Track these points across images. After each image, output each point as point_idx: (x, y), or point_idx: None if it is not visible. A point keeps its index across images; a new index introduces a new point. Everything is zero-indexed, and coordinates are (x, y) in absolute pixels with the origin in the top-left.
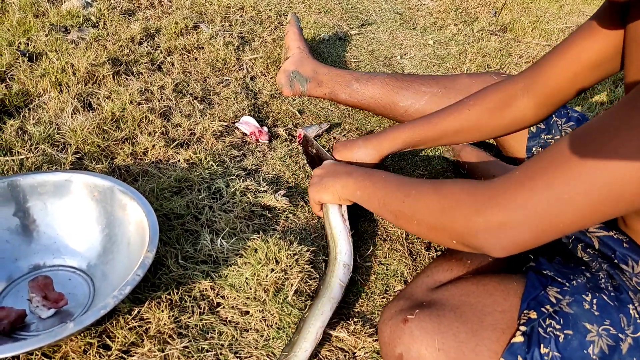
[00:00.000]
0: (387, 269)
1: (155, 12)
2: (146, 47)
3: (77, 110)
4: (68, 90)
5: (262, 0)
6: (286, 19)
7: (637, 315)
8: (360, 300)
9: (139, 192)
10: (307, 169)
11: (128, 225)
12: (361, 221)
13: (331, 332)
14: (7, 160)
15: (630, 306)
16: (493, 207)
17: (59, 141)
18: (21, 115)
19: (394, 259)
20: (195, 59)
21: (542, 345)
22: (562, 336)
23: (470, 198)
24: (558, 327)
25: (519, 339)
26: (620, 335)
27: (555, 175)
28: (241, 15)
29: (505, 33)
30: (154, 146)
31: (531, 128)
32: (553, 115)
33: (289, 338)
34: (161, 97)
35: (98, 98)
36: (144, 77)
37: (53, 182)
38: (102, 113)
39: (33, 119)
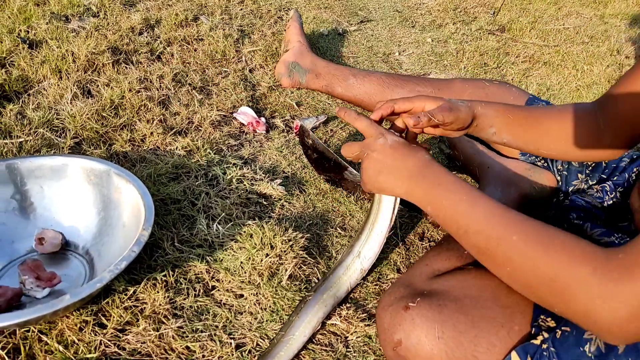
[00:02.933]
0: (381, 258)
1: (155, 4)
2: (146, 37)
3: (76, 97)
4: (68, 77)
5: None
6: (286, 13)
7: None
8: (353, 289)
9: (135, 176)
10: (304, 159)
11: (124, 208)
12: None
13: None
14: (7, 143)
15: None
16: (620, 294)
17: (58, 126)
18: (20, 101)
19: (389, 248)
20: (195, 50)
21: (542, 344)
22: (560, 332)
23: (586, 270)
24: (555, 324)
25: (536, 341)
26: None
27: None
28: (241, 9)
29: (503, 33)
30: (152, 133)
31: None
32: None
33: (282, 321)
34: (160, 86)
35: (97, 85)
36: (143, 67)
37: (50, 166)
38: (101, 100)
39: (32, 104)
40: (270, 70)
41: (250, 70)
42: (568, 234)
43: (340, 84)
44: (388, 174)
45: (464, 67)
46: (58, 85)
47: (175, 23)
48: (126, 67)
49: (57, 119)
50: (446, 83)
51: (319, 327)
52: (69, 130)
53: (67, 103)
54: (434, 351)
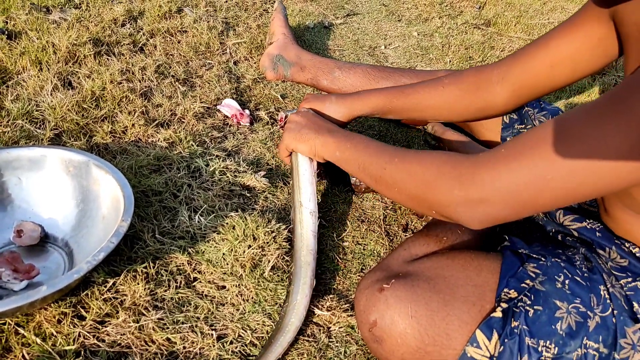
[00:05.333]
0: (364, 249)
1: None
2: (129, 29)
3: (56, 88)
4: (48, 69)
5: None
6: (271, 6)
7: (607, 296)
8: (337, 277)
9: (115, 167)
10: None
11: (103, 199)
12: (335, 199)
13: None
14: None
15: (602, 287)
16: (475, 183)
17: (38, 118)
18: None
19: (371, 240)
20: (179, 42)
21: (512, 319)
22: (532, 311)
23: (453, 171)
24: (529, 302)
25: (497, 314)
26: (589, 313)
27: (540, 156)
28: (226, 1)
29: (489, 27)
30: (133, 125)
31: (504, 118)
32: (525, 106)
33: (265, 312)
34: (142, 77)
35: (78, 77)
36: (126, 58)
37: (28, 157)
38: (82, 91)
39: (11, 96)
40: (255, 63)
41: (234, 63)
42: (442, 152)
43: (326, 76)
44: (310, 129)
45: (450, 61)
46: (38, 76)
47: (158, 15)
48: (108, 59)
49: (36, 110)
50: (431, 75)
51: (314, 283)
52: (49, 121)
53: (47, 94)
54: (407, 330)
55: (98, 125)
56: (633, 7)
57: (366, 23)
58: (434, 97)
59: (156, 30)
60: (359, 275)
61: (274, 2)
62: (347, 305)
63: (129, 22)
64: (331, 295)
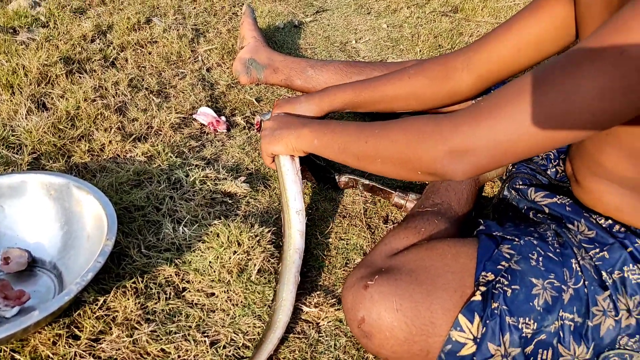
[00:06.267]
0: (347, 244)
1: (106, 9)
2: (98, 44)
3: (31, 111)
4: (20, 92)
5: None
6: (240, 9)
7: (578, 268)
8: (322, 274)
9: (95, 187)
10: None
11: (87, 220)
12: (317, 197)
13: (296, 304)
14: None
15: (573, 260)
16: (458, 135)
17: (14, 143)
18: None
19: (353, 234)
20: (150, 53)
21: (492, 301)
22: (510, 291)
23: (435, 128)
24: (506, 283)
25: (477, 297)
26: (562, 286)
27: (518, 106)
28: (194, 7)
29: (457, 13)
30: (110, 142)
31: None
32: (492, 89)
33: (254, 315)
34: (116, 93)
35: (52, 98)
36: (98, 74)
37: (8, 184)
38: (57, 112)
39: None
40: (227, 68)
41: (207, 70)
42: (422, 116)
43: (299, 76)
44: (282, 129)
45: (420, 51)
46: (11, 100)
47: (127, 27)
48: (80, 77)
49: (12, 135)
50: (401, 65)
51: (299, 280)
52: (26, 146)
53: (22, 118)
54: (394, 323)
55: (75, 145)
56: None
57: (336, 19)
58: (401, 87)
59: (126, 43)
60: (343, 270)
61: (242, 5)
62: (334, 300)
63: (98, 37)
64: (318, 292)
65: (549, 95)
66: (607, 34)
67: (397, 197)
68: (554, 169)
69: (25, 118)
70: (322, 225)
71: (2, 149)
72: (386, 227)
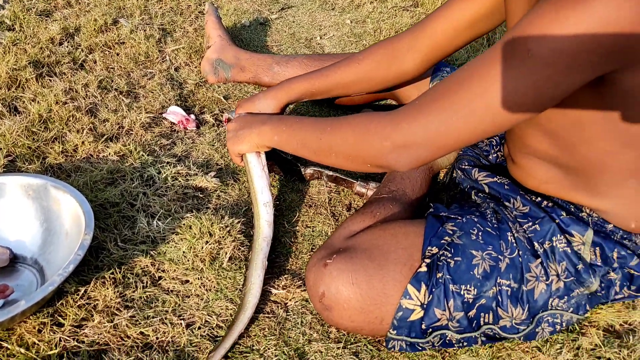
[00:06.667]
0: (312, 231)
1: (73, 11)
2: (67, 47)
3: (3, 115)
4: None
5: None
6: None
7: (513, 240)
8: (290, 259)
9: (71, 186)
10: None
11: (65, 217)
12: (285, 189)
13: (265, 287)
14: None
15: (509, 234)
16: (398, 132)
17: None
18: None
19: (318, 222)
20: (118, 54)
21: (437, 272)
22: (453, 262)
23: (379, 126)
24: (450, 255)
25: (423, 269)
26: (499, 257)
27: (446, 102)
28: (160, 7)
29: (417, 7)
30: (83, 142)
31: (430, 86)
32: (444, 72)
33: (227, 298)
34: (86, 94)
35: (23, 101)
36: (68, 77)
37: None
38: (29, 115)
39: None
40: (195, 67)
41: (175, 69)
42: (367, 113)
43: (266, 73)
44: (244, 128)
45: None
46: None
47: (94, 29)
48: (50, 80)
49: None
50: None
51: (266, 265)
52: (1, 149)
53: None
54: (350, 295)
55: (49, 146)
56: None
57: (301, 15)
58: (352, 73)
59: (94, 45)
60: (309, 255)
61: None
62: (300, 282)
63: (66, 40)
64: (286, 275)
65: (472, 91)
66: (518, 32)
67: (359, 186)
68: (495, 155)
69: None
70: (289, 215)
71: None
72: (349, 214)
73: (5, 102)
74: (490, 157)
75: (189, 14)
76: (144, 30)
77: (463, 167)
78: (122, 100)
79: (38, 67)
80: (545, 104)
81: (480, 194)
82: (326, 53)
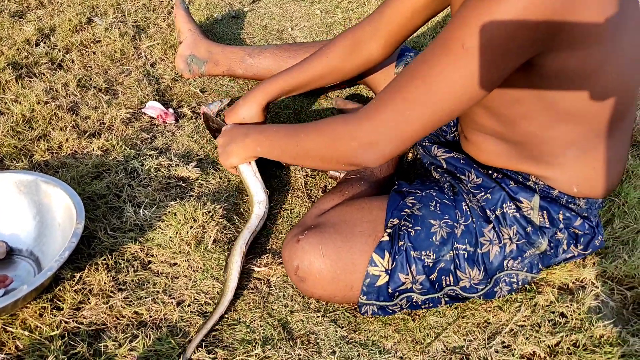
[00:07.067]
0: (290, 213)
1: (46, 11)
2: (43, 47)
3: None
4: None
5: None
6: None
7: (467, 209)
8: (270, 239)
9: (60, 180)
10: (214, 141)
11: (56, 209)
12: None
13: (249, 266)
14: None
15: (464, 204)
16: (363, 131)
17: None
18: None
19: (296, 204)
20: (94, 53)
21: (399, 240)
22: (413, 231)
23: (345, 128)
24: (410, 225)
25: (385, 238)
26: (455, 224)
27: (400, 100)
28: (133, 5)
29: None
30: (67, 140)
31: (395, 71)
32: (408, 56)
33: (213, 277)
34: (66, 93)
35: (5, 102)
36: (47, 77)
37: None
38: (13, 116)
39: None
40: (171, 62)
41: (151, 65)
42: (335, 117)
43: (239, 66)
44: (231, 143)
45: None
46: None
47: (70, 29)
48: (30, 81)
49: None
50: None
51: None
52: None
53: None
54: (322, 266)
55: (35, 145)
56: None
57: (272, 7)
58: (322, 67)
59: (70, 44)
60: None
61: None
62: (280, 259)
63: (42, 41)
64: (267, 254)
65: (421, 88)
66: (453, 27)
67: (333, 170)
68: (452, 134)
69: None
70: (269, 199)
71: None
72: (321, 197)
73: None
74: (448, 136)
75: (161, 10)
76: (118, 28)
77: (424, 144)
78: (102, 97)
79: (17, 69)
80: (486, 90)
81: (439, 169)
82: (296, 43)
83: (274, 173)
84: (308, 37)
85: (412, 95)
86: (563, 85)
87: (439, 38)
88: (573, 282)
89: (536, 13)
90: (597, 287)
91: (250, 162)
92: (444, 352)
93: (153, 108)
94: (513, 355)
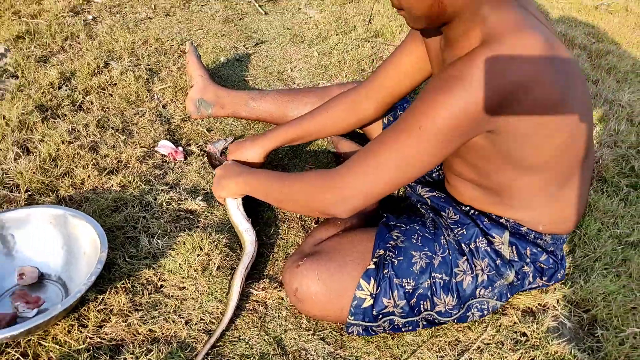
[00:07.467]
0: (287, 242)
1: (67, 56)
2: (65, 90)
3: (19, 156)
4: (5, 139)
5: (164, 31)
6: (187, 43)
7: (445, 243)
8: (268, 266)
9: (85, 214)
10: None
11: (82, 240)
12: (261, 209)
13: (248, 289)
14: None
15: (442, 237)
16: (335, 188)
17: (9, 183)
18: None
19: (291, 234)
20: (111, 95)
21: (383, 269)
22: (396, 261)
23: (322, 183)
24: (394, 255)
25: (371, 266)
26: (433, 256)
27: (372, 162)
28: (146, 49)
29: (378, 38)
30: (89, 176)
31: (384, 120)
32: (398, 110)
33: (217, 300)
34: (87, 133)
35: (33, 142)
36: (69, 118)
37: (16, 218)
38: (40, 155)
39: None
40: (181, 104)
41: (163, 106)
42: (314, 171)
43: (243, 109)
44: (225, 178)
45: (345, 76)
46: None
47: (88, 72)
48: (54, 122)
49: (7, 177)
50: (326, 91)
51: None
52: (21, 185)
53: (12, 162)
54: (317, 289)
55: (60, 181)
56: (430, 39)
57: (273, 49)
58: (322, 122)
59: (89, 87)
60: (284, 262)
61: (186, 45)
62: (277, 284)
63: (64, 84)
64: (265, 279)
65: (386, 157)
66: (413, 110)
67: (308, 216)
68: (437, 173)
69: (14, 162)
70: (267, 230)
71: (1, 189)
72: (316, 226)
73: (18, 143)
74: (433, 174)
75: (172, 53)
76: (133, 72)
77: (410, 184)
78: (119, 137)
79: (42, 111)
80: (437, 161)
81: (424, 205)
82: (294, 88)
83: (271, 206)
84: (306, 78)
85: (379, 162)
86: (524, 146)
87: (403, 116)
88: (536, 306)
89: (475, 111)
90: (557, 310)
91: (237, 199)
92: None
93: (165, 147)
94: None
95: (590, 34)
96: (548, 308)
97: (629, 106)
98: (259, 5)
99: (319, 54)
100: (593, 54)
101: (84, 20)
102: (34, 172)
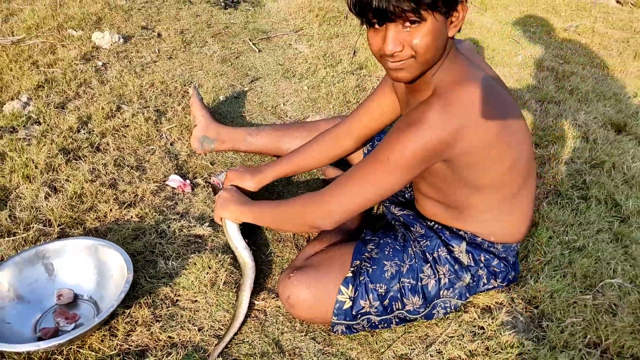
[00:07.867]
0: (282, 259)
1: (82, 101)
2: (84, 133)
3: (49, 195)
4: (35, 180)
5: (168, 74)
6: (190, 87)
7: (412, 253)
8: (266, 280)
9: (112, 242)
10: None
11: (111, 265)
12: (258, 232)
13: (251, 300)
14: (14, 240)
15: (410, 249)
16: (322, 205)
17: (43, 219)
18: (8, 206)
19: (286, 252)
20: (124, 136)
21: (360, 276)
22: (371, 270)
23: (311, 201)
24: (369, 265)
25: (349, 274)
26: (402, 264)
27: (352, 184)
28: (153, 91)
29: (362, 70)
30: (110, 210)
31: (364, 150)
32: (375, 140)
33: (225, 309)
34: (106, 172)
35: (60, 182)
36: (89, 159)
37: (53, 249)
38: (67, 193)
39: (18, 207)
40: (186, 141)
41: (171, 144)
42: (305, 194)
43: (242, 143)
44: (231, 203)
45: (332, 107)
46: (30, 188)
47: (103, 116)
48: (76, 163)
49: (40, 213)
50: (314, 125)
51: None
52: (52, 220)
53: (43, 200)
54: (306, 296)
55: (86, 215)
56: (397, 85)
57: (267, 85)
58: (309, 157)
59: (105, 130)
60: (278, 276)
61: (191, 84)
62: (274, 295)
63: (82, 128)
64: (264, 291)
65: (361, 181)
66: (384, 143)
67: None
68: (409, 194)
69: (45, 200)
70: (264, 249)
71: (36, 224)
72: (307, 244)
73: (47, 183)
74: (406, 195)
75: (176, 94)
76: (143, 114)
77: (386, 204)
78: (134, 173)
79: (65, 153)
80: (405, 183)
81: (397, 222)
82: (287, 123)
83: (267, 228)
84: (297, 112)
85: (355, 184)
86: (475, 171)
87: (376, 149)
88: (493, 304)
89: (432, 146)
90: (512, 307)
91: (235, 223)
92: (393, 358)
93: (174, 180)
94: (443, 358)
95: (559, 56)
96: (504, 305)
97: (585, 125)
98: (253, 44)
99: (308, 88)
100: (560, 75)
101: (94, 66)
102: (63, 209)
